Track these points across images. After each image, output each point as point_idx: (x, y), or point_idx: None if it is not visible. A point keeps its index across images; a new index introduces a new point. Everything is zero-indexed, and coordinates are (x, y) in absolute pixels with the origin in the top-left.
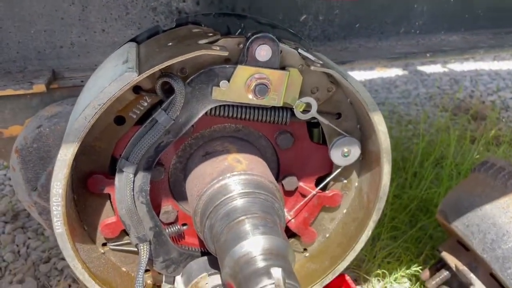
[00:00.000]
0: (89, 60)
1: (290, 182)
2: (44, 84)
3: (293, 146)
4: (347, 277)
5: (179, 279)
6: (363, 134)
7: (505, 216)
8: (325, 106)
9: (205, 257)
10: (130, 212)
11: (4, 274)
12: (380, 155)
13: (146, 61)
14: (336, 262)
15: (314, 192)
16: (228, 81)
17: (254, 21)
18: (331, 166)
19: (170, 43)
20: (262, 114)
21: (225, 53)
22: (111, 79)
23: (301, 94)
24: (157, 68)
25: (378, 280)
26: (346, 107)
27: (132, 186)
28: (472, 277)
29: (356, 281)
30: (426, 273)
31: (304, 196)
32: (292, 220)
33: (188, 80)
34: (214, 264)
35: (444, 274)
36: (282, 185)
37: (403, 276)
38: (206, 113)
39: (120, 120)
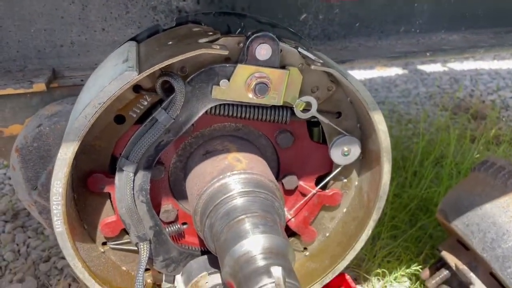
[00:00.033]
0: (89, 59)
1: (290, 181)
2: (44, 83)
3: (293, 145)
4: (347, 276)
5: (179, 278)
6: (363, 133)
7: (505, 215)
8: (325, 105)
9: (205, 256)
10: (130, 211)
11: (4, 273)
12: (380, 154)
13: (146, 60)
14: (336, 261)
15: (314, 191)
16: (228, 80)
17: (254, 20)
18: (331, 165)
19: (170, 42)
20: (262, 113)
21: (225, 52)
22: (111, 78)
23: (301, 93)
24: (157, 67)
25: (378, 279)
26: (346, 106)
27: (132, 185)
28: (472, 276)
29: (356, 280)
30: (426, 272)
31: (304, 195)
32: (292, 219)
33: (188, 79)
34: (214, 263)
35: (444, 273)
36: (282, 184)
37: (403, 275)
38: (206, 112)
39: (120, 119)
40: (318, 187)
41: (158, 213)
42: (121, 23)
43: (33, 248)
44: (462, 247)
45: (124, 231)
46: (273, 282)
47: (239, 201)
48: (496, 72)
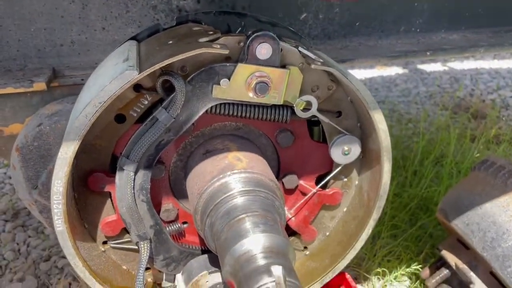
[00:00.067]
0: (90, 58)
1: (290, 180)
2: (45, 82)
3: (293, 144)
4: (347, 276)
5: (179, 277)
6: (364, 133)
7: (505, 214)
8: (326, 104)
9: (206, 255)
10: (130, 210)
11: (4, 272)
12: (381, 154)
13: (146, 59)
14: (336, 260)
15: (314, 190)
16: (229, 79)
17: (254, 19)
18: (331, 165)
19: (171, 41)
20: (263, 112)
21: (226, 51)
22: (111, 77)
23: (302, 92)
24: (157, 67)
25: (378, 278)
26: (347, 105)
27: (132, 184)
28: (472, 275)
29: (356, 279)
30: (426, 272)
31: (304, 194)
32: (293, 218)
33: (188, 78)
34: (215, 262)
35: (444, 272)
36: (283, 183)
37: (403, 275)
38: (206, 111)
39: (120, 118)
40: (318, 186)
41: (158, 212)
42: (121, 22)
43: (33, 247)
44: (462, 246)
45: (125, 230)
46: (274, 281)
47: (239, 200)
48: (496, 72)
